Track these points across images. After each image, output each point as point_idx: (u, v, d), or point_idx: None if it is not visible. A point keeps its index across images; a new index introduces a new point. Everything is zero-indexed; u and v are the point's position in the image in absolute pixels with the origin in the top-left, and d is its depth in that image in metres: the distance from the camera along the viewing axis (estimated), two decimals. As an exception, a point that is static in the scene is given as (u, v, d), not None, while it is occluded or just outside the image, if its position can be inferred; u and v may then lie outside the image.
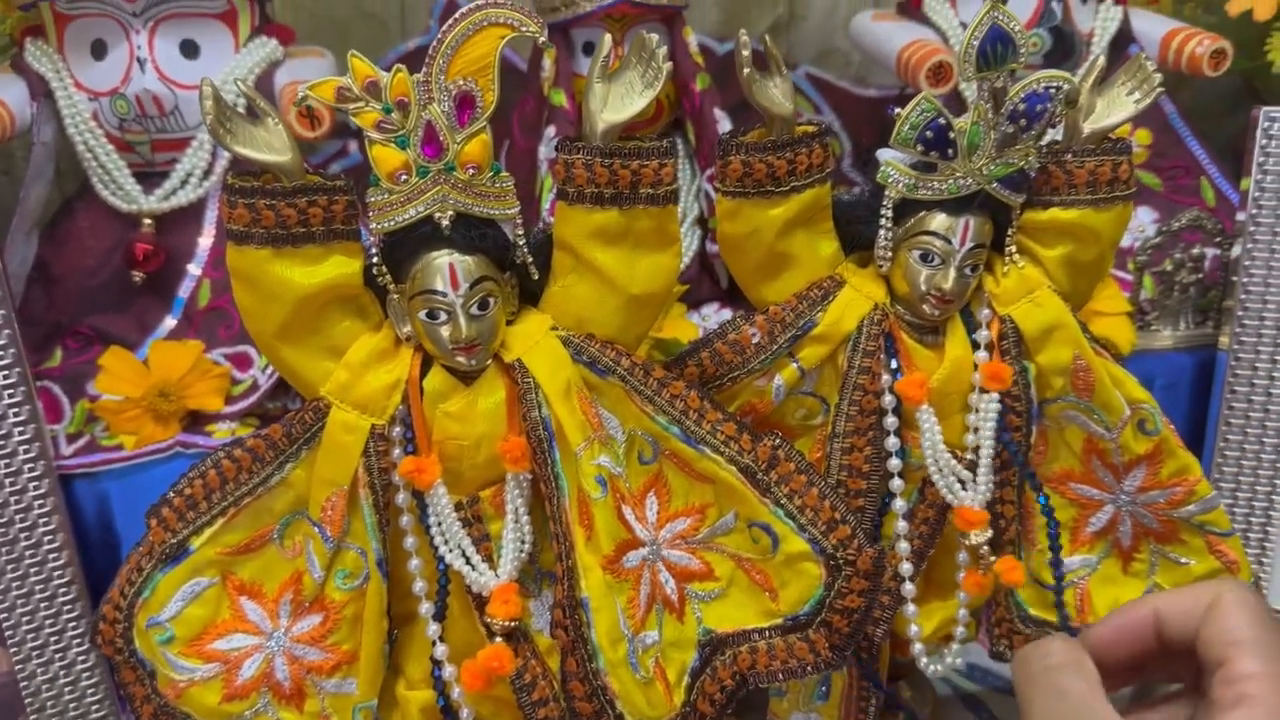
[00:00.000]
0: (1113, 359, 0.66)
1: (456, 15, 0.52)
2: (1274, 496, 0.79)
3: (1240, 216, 0.77)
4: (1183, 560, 0.67)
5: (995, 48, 0.57)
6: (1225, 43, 0.83)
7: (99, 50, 0.76)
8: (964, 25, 0.86)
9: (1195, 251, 0.82)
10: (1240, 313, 0.76)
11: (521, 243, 0.57)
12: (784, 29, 1.16)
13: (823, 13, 1.16)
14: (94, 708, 0.71)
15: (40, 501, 0.68)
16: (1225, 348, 0.78)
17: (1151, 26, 0.88)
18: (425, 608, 0.59)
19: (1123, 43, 0.88)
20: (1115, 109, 0.61)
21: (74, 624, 0.69)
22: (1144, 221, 0.87)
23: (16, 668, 0.69)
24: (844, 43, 1.14)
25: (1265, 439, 0.78)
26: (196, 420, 0.74)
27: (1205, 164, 0.88)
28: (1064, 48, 0.85)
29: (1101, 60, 0.61)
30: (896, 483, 0.63)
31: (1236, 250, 0.77)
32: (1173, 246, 0.82)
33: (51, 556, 0.68)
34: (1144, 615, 0.48)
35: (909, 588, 0.64)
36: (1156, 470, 0.65)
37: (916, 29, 0.87)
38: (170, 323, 0.77)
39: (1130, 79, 0.61)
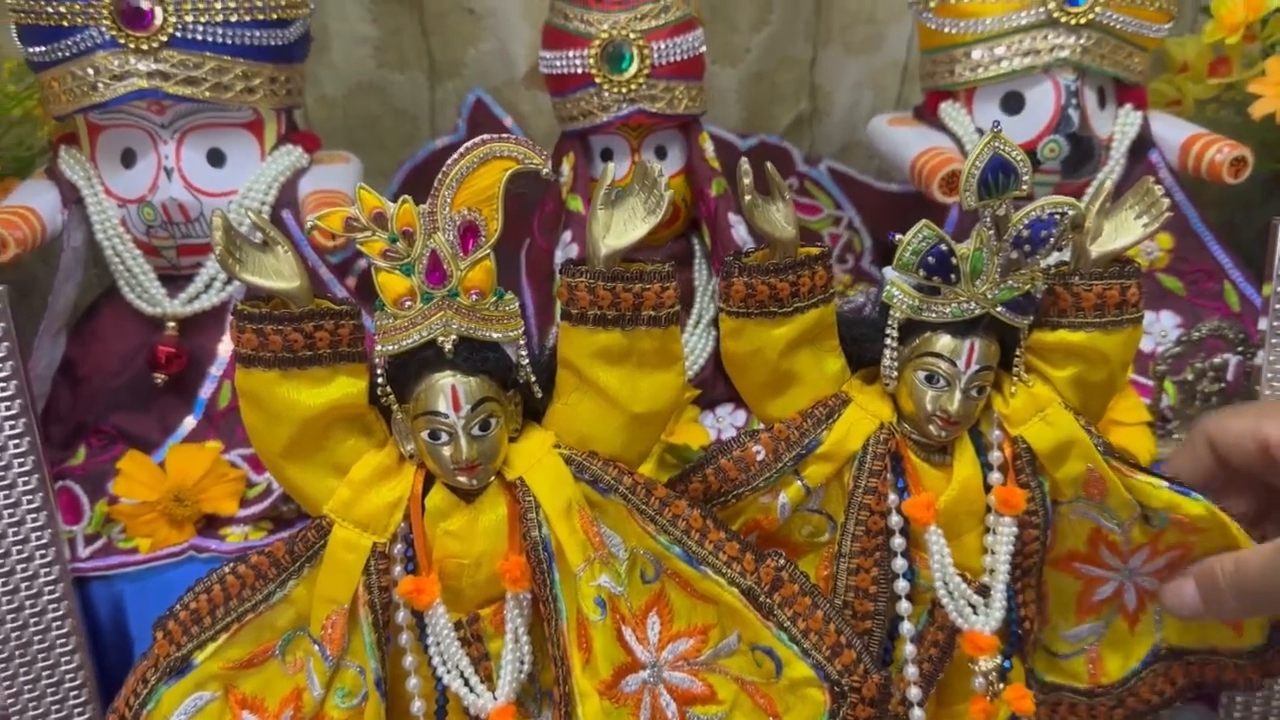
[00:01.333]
0: (1131, 469, 0.65)
1: (462, 149, 0.53)
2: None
3: (1262, 325, 0.76)
4: None
5: (997, 176, 0.57)
6: (1245, 150, 0.82)
7: (129, 159, 0.78)
8: (980, 131, 0.86)
9: (1217, 360, 0.81)
10: (1263, 424, 0.75)
11: (525, 363, 0.58)
12: (806, 123, 1.17)
13: (845, 108, 1.17)
14: (100, 811, 0.72)
15: (54, 605, 0.69)
16: (1249, 459, 0.77)
17: (1171, 132, 0.87)
18: (424, 728, 0.59)
19: (1142, 148, 0.87)
20: (1123, 233, 0.61)
21: (83, 727, 0.70)
22: (1166, 326, 0.87)
23: (26, 768, 0.69)
24: (866, 137, 1.14)
25: (1291, 553, 0.76)
26: (211, 523, 0.75)
27: (1229, 268, 0.87)
28: (1082, 153, 0.85)
29: (1109, 185, 0.61)
30: (904, 605, 0.62)
31: (1259, 358, 0.76)
32: (1194, 354, 0.81)
33: (64, 659, 0.69)
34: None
35: (917, 714, 0.62)
36: (1156, 547, 0.66)
37: (931, 135, 0.88)
38: (191, 423, 0.78)
39: (1139, 202, 0.61)
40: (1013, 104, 0.86)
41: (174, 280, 0.80)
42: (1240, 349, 0.80)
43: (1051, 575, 0.68)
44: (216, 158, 0.78)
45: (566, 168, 0.86)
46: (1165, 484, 0.65)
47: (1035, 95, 0.85)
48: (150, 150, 0.77)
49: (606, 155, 0.86)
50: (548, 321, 0.88)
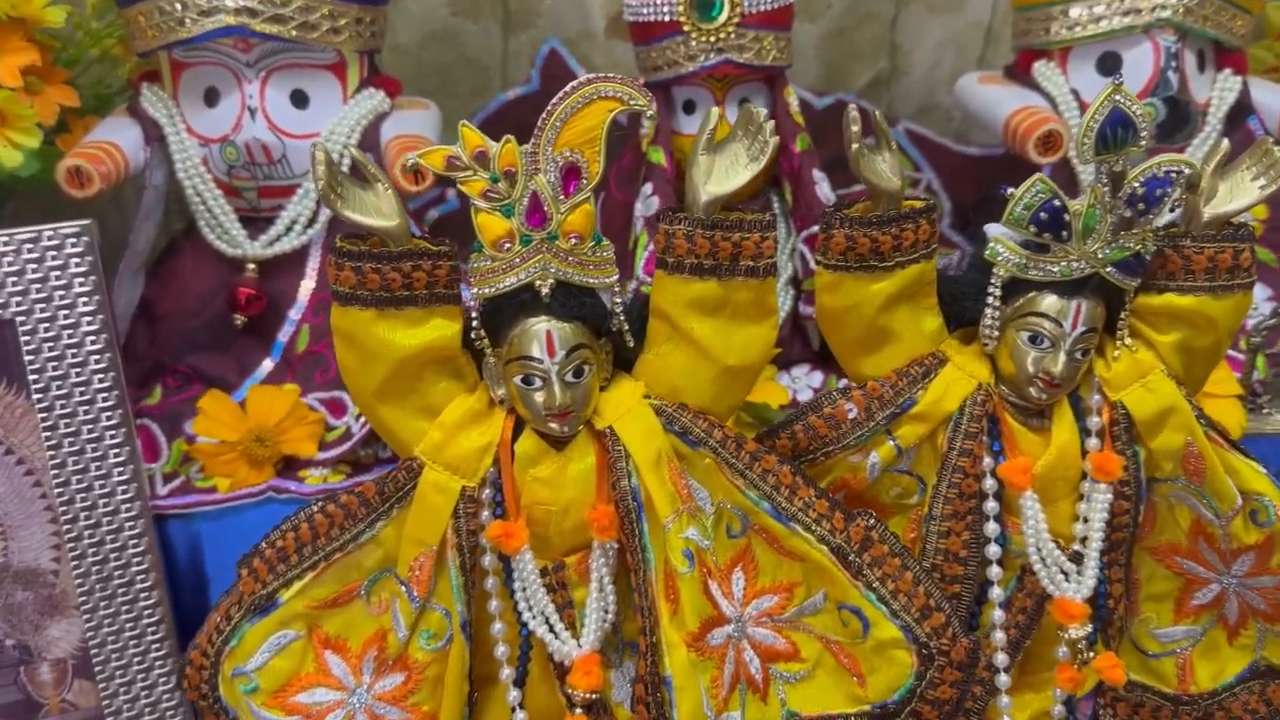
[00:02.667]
0: (1230, 446, 0.63)
1: (567, 87, 0.52)
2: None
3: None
4: None
5: (1116, 131, 0.55)
6: (1352, 117, 0.80)
7: (212, 98, 0.78)
8: (1074, 92, 0.84)
9: (1312, 334, 0.79)
10: (1361, 401, 0.73)
11: (619, 310, 0.57)
12: (885, 83, 1.15)
13: (925, 68, 1.14)
14: (176, 747, 0.72)
15: (135, 540, 0.69)
16: (1342, 437, 0.75)
17: (1272, 98, 0.84)
18: (506, 673, 0.59)
19: (1240, 114, 0.85)
20: (1239, 194, 0.59)
21: (161, 663, 0.70)
22: (1258, 299, 0.84)
23: (104, 703, 0.70)
24: (946, 99, 1.12)
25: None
26: (290, 465, 0.75)
27: (1325, 241, 0.85)
28: (1178, 118, 0.82)
29: (1225, 143, 0.59)
30: (995, 570, 0.61)
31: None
32: (1290, 328, 0.79)
33: (143, 595, 0.70)
34: None
35: (1003, 679, 0.62)
36: (1265, 560, 0.64)
37: (1025, 94, 0.85)
38: (268, 365, 0.78)
39: (1255, 163, 0.59)
40: (1109, 65, 0.83)
41: (254, 222, 0.79)
42: (1337, 323, 0.78)
43: (1150, 566, 0.67)
44: (300, 99, 0.78)
45: (647, 119, 0.85)
46: (1267, 474, 0.63)
47: (1133, 56, 0.82)
48: (234, 89, 0.77)
49: (689, 107, 0.85)
50: (624, 276, 0.86)
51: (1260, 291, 0.85)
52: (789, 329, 0.86)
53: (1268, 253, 0.86)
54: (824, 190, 0.84)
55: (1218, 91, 0.84)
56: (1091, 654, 0.62)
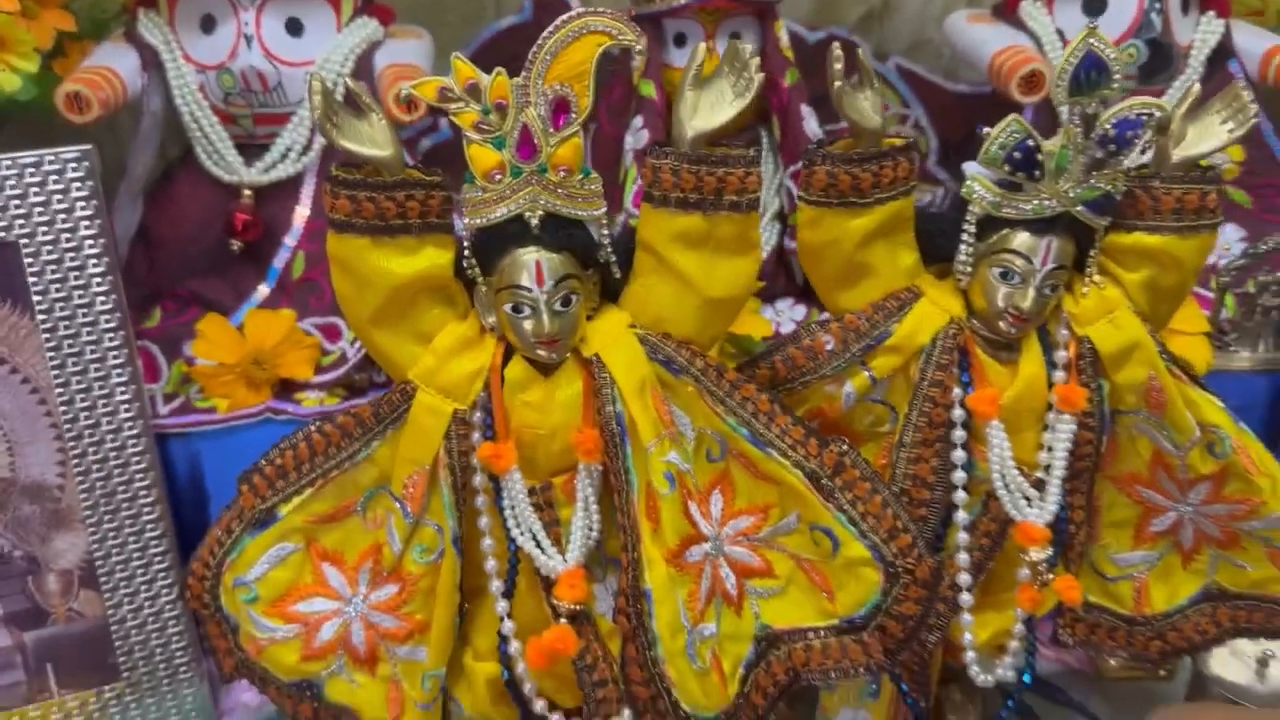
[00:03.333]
0: (1190, 381, 0.66)
1: (557, 21, 0.54)
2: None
3: (1327, 241, 0.76)
4: (1243, 565, 0.69)
5: (1089, 74, 0.57)
6: (1331, 62, 0.81)
7: (208, 25, 0.79)
8: (1060, 32, 0.85)
9: (1280, 275, 0.81)
10: (1321, 340, 0.76)
11: (606, 242, 0.59)
12: (876, 19, 1.15)
13: (917, 4, 1.15)
14: (179, 654, 0.75)
15: (137, 457, 0.71)
16: (1303, 374, 0.78)
17: (1253, 42, 0.86)
18: (495, 585, 0.62)
19: (1222, 57, 0.86)
20: (1207, 137, 0.61)
21: (163, 575, 0.73)
22: (1230, 239, 0.87)
23: (108, 613, 0.73)
24: (937, 35, 1.12)
25: (1338, 468, 0.77)
26: (286, 388, 0.78)
27: (1299, 183, 0.87)
28: (1159, 59, 0.84)
29: (1197, 87, 0.61)
30: (961, 495, 0.64)
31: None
32: (1258, 268, 0.82)
33: (145, 510, 0.72)
34: None
35: (966, 597, 0.65)
36: (1220, 489, 0.67)
37: (1011, 34, 0.87)
38: (264, 291, 0.81)
39: (1225, 107, 0.61)
40: (1095, 5, 0.85)
41: (249, 149, 0.81)
42: (1305, 264, 0.80)
43: (1112, 494, 0.69)
44: (295, 27, 0.79)
45: (638, 54, 0.86)
46: (1224, 408, 0.66)
47: (1118, -3, 0.84)
48: (230, 17, 0.78)
49: (680, 40, 0.86)
50: (614, 209, 0.88)
51: (1233, 232, 0.87)
52: (774, 263, 0.88)
53: (1243, 195, 0.88)
54: (811, 126, 0.85)
55: (1200, 34, 0.85)
56: (1051, 576, 0.65)
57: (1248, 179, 0.88)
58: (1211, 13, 0.86)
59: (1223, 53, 0.86)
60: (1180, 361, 0.67)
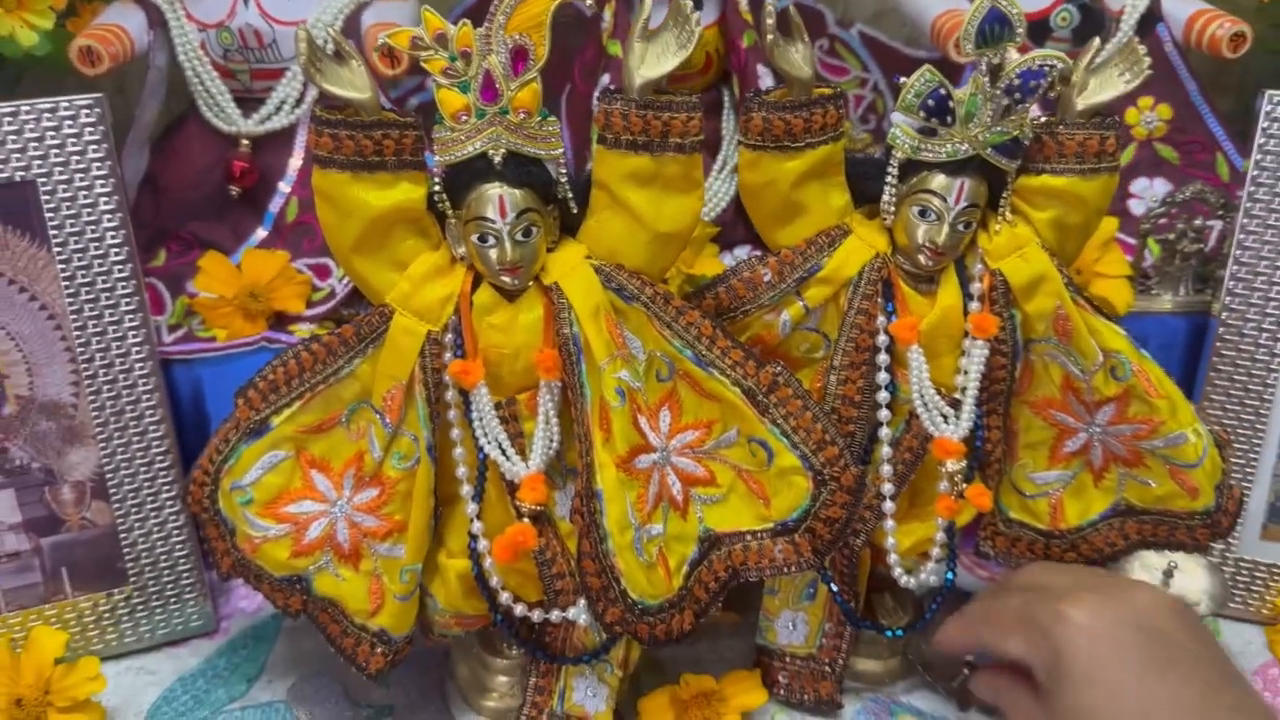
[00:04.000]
0: (1094, 311, 0.72)
1: (516, -23, 0.60)
2: (1251, 455, 0.85)
3: (1240, 193, 0.82)
4: (1147, 481, 0.75)
5: (993, 28, 0.63)
6: (1245, 26, 0.87)
7: (209, -15, 0.85)
8: (1000, -4, 0.91)
9: (1198, 223, 0.87)
10: (1230, 283, 0.82)
11: (563, 180, 0.66)
12: (842, -13, 1.21)
13: (881, -28, 1.20)
14: (182, 562, 0.82)
15: (144, 380, 0.78)
16: (1216, 314, 0.84)
17: (1179, 7, 0.92)
18: (466, 490, 0.68)
19: (1150, 21, 0.92)
20: (1106, 88, 0.67)
21: (167, 486, 0.80)
22: (1158, 193, 0.93)
23: (117, 522, 0.80)
24: (896, 2, 1.18)
25: (1247, 401, 0.84)
26: (280, 320, 0.84)
27: (1222, 140, 0.93)
28: (1092, 23, 0.90)
29: (1097, 42, 0.67)
30: (884, 413, 0.71)
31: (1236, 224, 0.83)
32: (1179, 216, 0.88)
33: (152, 428, 0.79)
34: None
35: (889, 505, 0.72)
36: (1124, 410, 0.73)
37: (953, -2, 0.93)
38: (261, 233, 0.87)
39: (1123, 61, 0.67)
40: (1031, -31, 0.90)
41: (247, 102, 0.87)
42: (1221, 213, 0.87)
43: (1028, 418, 0.75)
44: (289, -13, 0.85)
45: (608, 14, 0.92)
46: (1126, 335, 0.72)
47: (1053, -36, 0.90)
48: (229, -23, 0.84)
49: (646, 3, 0.92)
50: (585, 161, 0.95)
51: (1160, 185, 0.94)
52: (732, 212, 0.94)
53: (1170, 150, 0.94)
54: (767, 84, 0.91)
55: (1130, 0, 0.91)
56: (966, 486, 0.72)
57: (1175, 136, 0.94)
58: (1141, -20, 0.92)
59: (1151, 18, 0.92)
60: (1088, 295, 0.73)
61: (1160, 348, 0.89)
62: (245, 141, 0.86)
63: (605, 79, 0.91)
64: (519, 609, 0.70)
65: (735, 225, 0.94)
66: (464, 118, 0.62)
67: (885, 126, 1.09)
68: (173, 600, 0.83)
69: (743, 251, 0.95)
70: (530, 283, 0.66)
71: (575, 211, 0.67)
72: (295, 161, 0.87)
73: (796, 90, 0.66)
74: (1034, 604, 0.63)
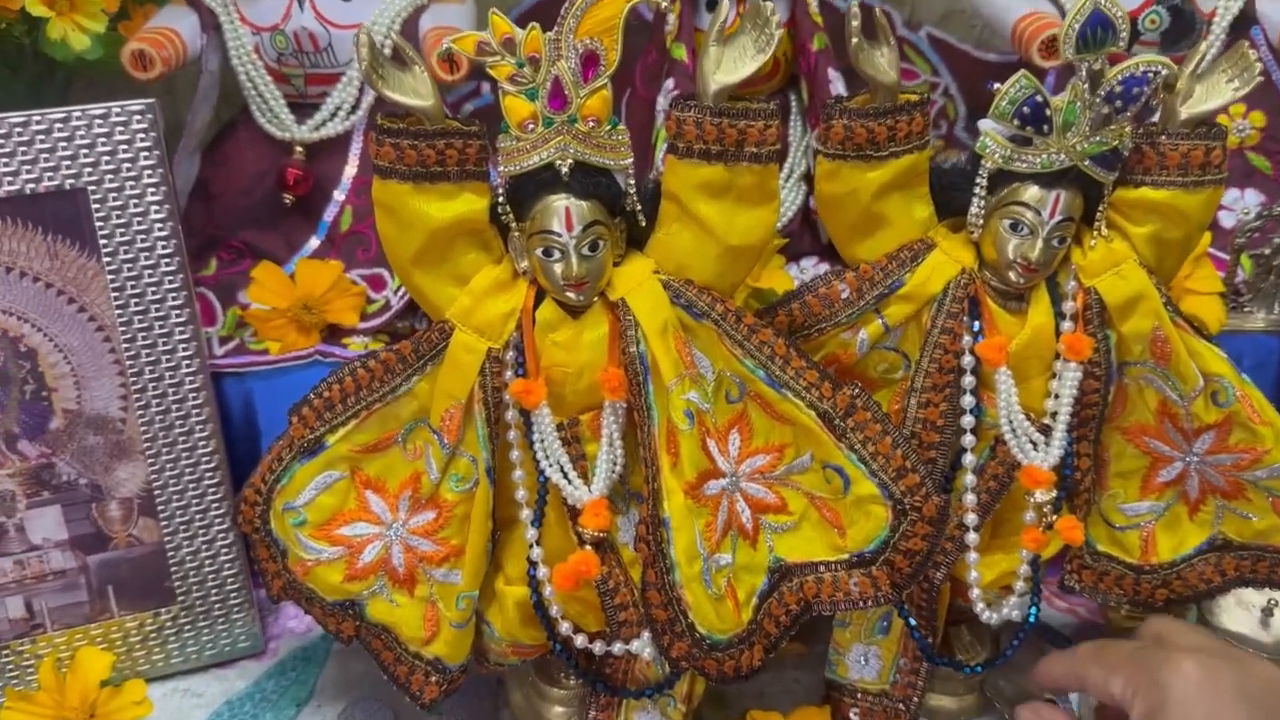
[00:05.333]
0: (1194, 332, 0.68)
1: (588, -21, 0.57)
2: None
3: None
4: (1248, 515, 0.71)
5: (1095, 31, 0.59)
6: (1350, 29, 0.82)
7: (263, -12, 0.83)
8: (1083, -2, 0.87)
9: (1297, 238, 0.83)
10: (1331, 301, 0.77)
11: (632, 191, 0.63)
12: (910, -12, 1.17)
13: (950, -27, 1.17)
14: (230, 581, 0.80)
15: (195, 394, 0.76)
16: (1315, 334, 0.79)
17: (1275, 9, 0.87)
18: (525, 514, 0.66)
19: (1245, 23, 0.87)
20: (1213, 95, 0.63)
21: (216, 504, 0.78)
22: (1250, 204, 0.88)
23: (164, 538, 0.78)
24: (968, 4, 1.14)
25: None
26: (334, 332, 0.82)
27: (1321, 150, 0.88)
28: (1182, 25, 0.85)
29: (1203, 46, 0.63)
30: (969, 439, 0.67)
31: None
32: (1274, 230, 0.83)
33: (201, 443, 0.77)
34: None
35: (972, 537, 0.68)
36: (1224, 438, 0.69)
37: (1035, 0, 0.88)
38: (314, 243, 0.85)
39: (1231, 67, 0.63)
40: (1118, -28, 0.86)
41: (301, 108, 0.85)
42: (1321, 227, 0.82)
43: (1120, 445, 0.72)
44: (344, -10, 0.83)
45: (672, 16, 0.89)
46: (1227, 359, 0.68)
47: (1143, -36, 0.85)
48: (285, -20, 0.82)
49: (711, 4, 0.89)
50: (645, 168, 0.91)
51: (1253, 196, 0.89)
52: (799, 222, 0.91)
53: (1263, 160, 0.90)
54: (839, 89, 0.88)
55: (1224, 1, 0.87)
56: (1055, 518, 0.68)
57: (1269, 144, 0.89)
58: (1236, -21, 0.87)
59: (1245, 19, 0.87)
60: (1189, 317, 0.69)
61: (1253, 368, 0.84)
62: (299, 148, 0.84)
63: (670, 83, 0.87)
64: (579, 640, 0.67)
65: (802, 235, 0.91)
66: (530, 126, 0.59)
67: (956, 132, 1.06)
68: (220, 620, 0.81)
69: (810, 263, 0.91)
70: (595, 298, 0.64)
71: (644, 224, 0.64)
72: (350, 169, 0.85)
73: (880, 96, 0.63)
74: (1150, 650, 0.60)
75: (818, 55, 0.88)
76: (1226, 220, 0.89)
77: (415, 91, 0.59)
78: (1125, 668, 0.60)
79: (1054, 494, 0.67)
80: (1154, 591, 0.73)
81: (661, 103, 0.88)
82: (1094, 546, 0.74)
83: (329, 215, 0.85)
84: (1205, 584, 0.73)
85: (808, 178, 0.91)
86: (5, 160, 0.69)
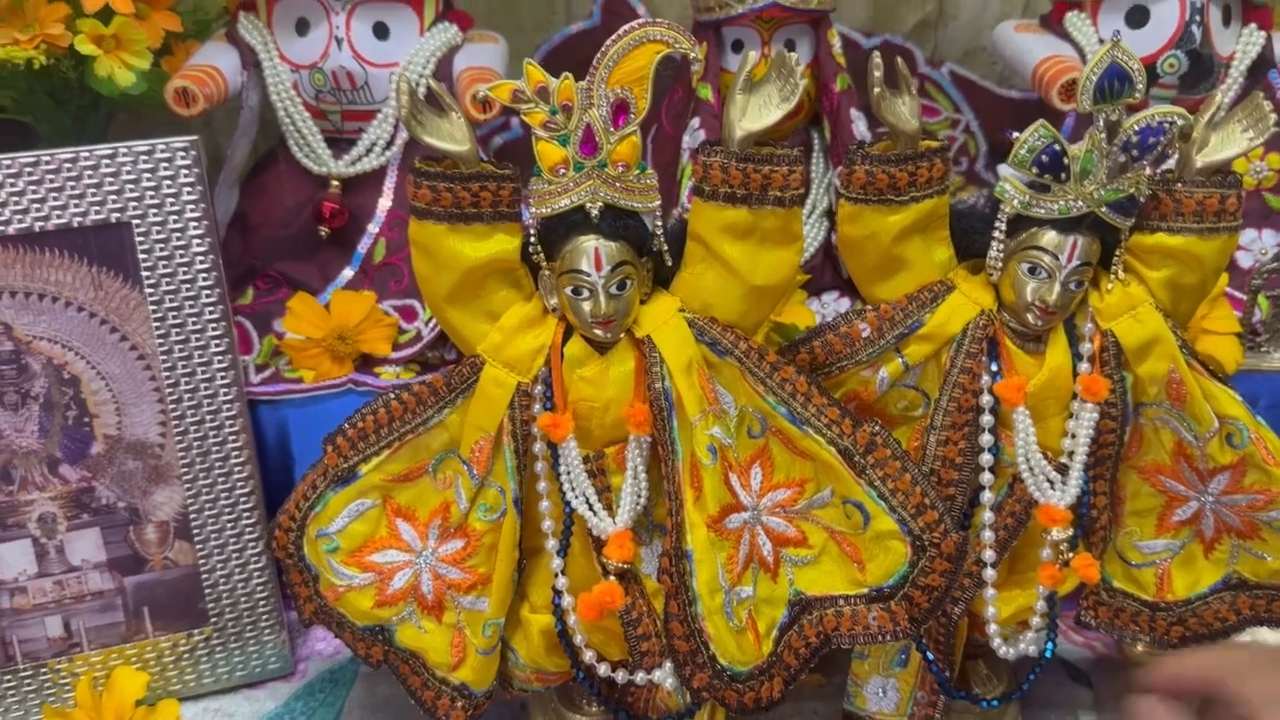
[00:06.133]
0: (1209, 374, 0.69)
1: (621, 30, 0.59)
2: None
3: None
4: (1263, 555, 0.72)
5: (1112, 83, 0.61)
6: (1367, 74, 0.83)
7: (302, 27, 0.86)
8: (1103, 42, 0.87)
9: (1314, 279, 0.83)
10: (1349, 342, 0.78)
11: (660, 233, 0.64)
12: (932, 26, 1.19)
13: (972, 11, 1.18)
14: (262, 604, 0.82)
15: (231, 421, 0.78)
16: (1332, 375, 0.80)
17: (1294, 53, 0.88)
18: (551, 544, 0.67)
19: (1263, 68, 0.88)
20: (1228, 144, 0.64)
21: (250, 528, 0.80)
22: (1268, 244, 0.89)
23: (199, 561, 0.80)
24: (990, 42, 1.15)
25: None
26: (367, 362, 0.84)
27: (1338, 192, 0.89)
28: (1200, 70, 0.86)
29: (1219, 96, 0.64)
30: (987, 477, 0.68)
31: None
32: (1292, 272, 0.84)
33: (237, 468, 0.79)
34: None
35: (990, 573, 0.69)
36: (1239, 480, 0.70)
37: (1055, 43, 0.90)
38: (348, 274, 0.87)
39: (1246, 116, 0.64)
40: (1137, 17, 0.88)
41: (337, 143, 0.88)
42: (1338, 269, 0.83)
43: (1136, 483, 0.73)
44: (382, 30, 0.85)
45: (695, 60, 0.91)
46: (1242, 401, 0.69)
47: (1160, 10, 0.87)
48: (323, 20, 0.84)
49: (737, 46, 0.91)
50: (669, 204, 0.93)
51: (1270, 237, 0.90)
52: (821, 258, 0.92)
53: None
54: (860, 129, 0.90)
55: (1242, 45, 0.88)
56: (1072, 555, 0.69)
57: (1287, 186, 0.91)
58: (1254, 24, 0.88)
59: (1264, 63, 0.88)
60: (1205, 358, 0.70)
61: (1270, 407, 0.85)
62: (335, 182, 0.86)
63: (695, 122, 0.89)
64: (602, 668, 0.68)
65: (824, 271, 0.92)
66: (562, 170, 0.61)
67: (977, 169, 1.07)
68: (251, 641, 0.83)
69: (830, 297, 0.93)
70: (622, 335, 0.65)
71: (670, 264, 0.66)
72: (384, 202, 0.87)
73: (902, 143, 0.64)
74: None
75: (840, 95, 0.90)
76: (1244, 260, 0.90)
77: (452, 137, 0.61)
78: (1265, 667, 0.59)
79: (1070, 532, 0.68)
80: (1169, 629, 0.74)
81: (687, 140, 0.90)
82: (1110, 583, 0.74)
83: (363, 247, 0.87)
84: (1221, 622, 0.74)
85: (829, 214, 0.93)
86: (54, 194, 0.72)
